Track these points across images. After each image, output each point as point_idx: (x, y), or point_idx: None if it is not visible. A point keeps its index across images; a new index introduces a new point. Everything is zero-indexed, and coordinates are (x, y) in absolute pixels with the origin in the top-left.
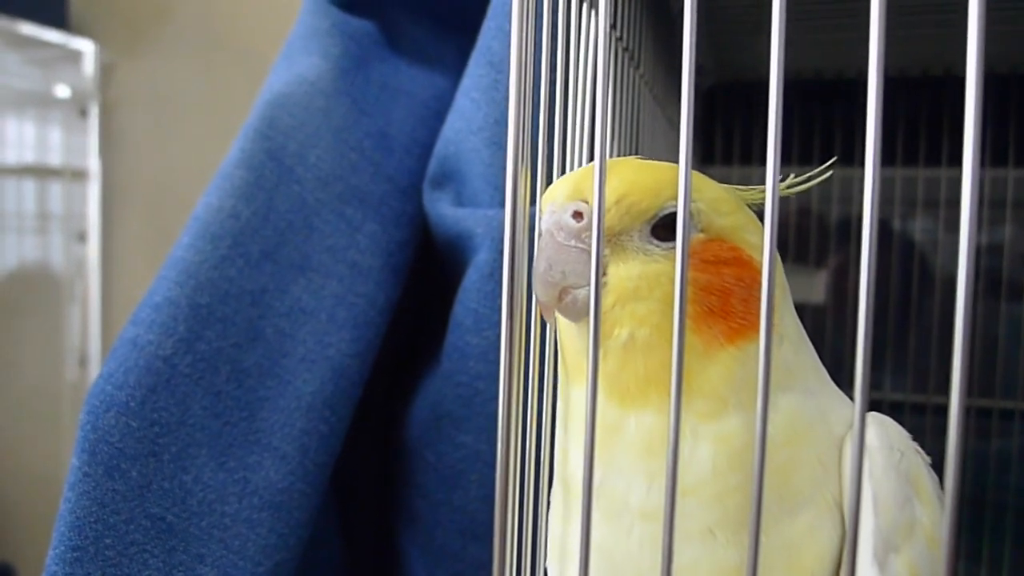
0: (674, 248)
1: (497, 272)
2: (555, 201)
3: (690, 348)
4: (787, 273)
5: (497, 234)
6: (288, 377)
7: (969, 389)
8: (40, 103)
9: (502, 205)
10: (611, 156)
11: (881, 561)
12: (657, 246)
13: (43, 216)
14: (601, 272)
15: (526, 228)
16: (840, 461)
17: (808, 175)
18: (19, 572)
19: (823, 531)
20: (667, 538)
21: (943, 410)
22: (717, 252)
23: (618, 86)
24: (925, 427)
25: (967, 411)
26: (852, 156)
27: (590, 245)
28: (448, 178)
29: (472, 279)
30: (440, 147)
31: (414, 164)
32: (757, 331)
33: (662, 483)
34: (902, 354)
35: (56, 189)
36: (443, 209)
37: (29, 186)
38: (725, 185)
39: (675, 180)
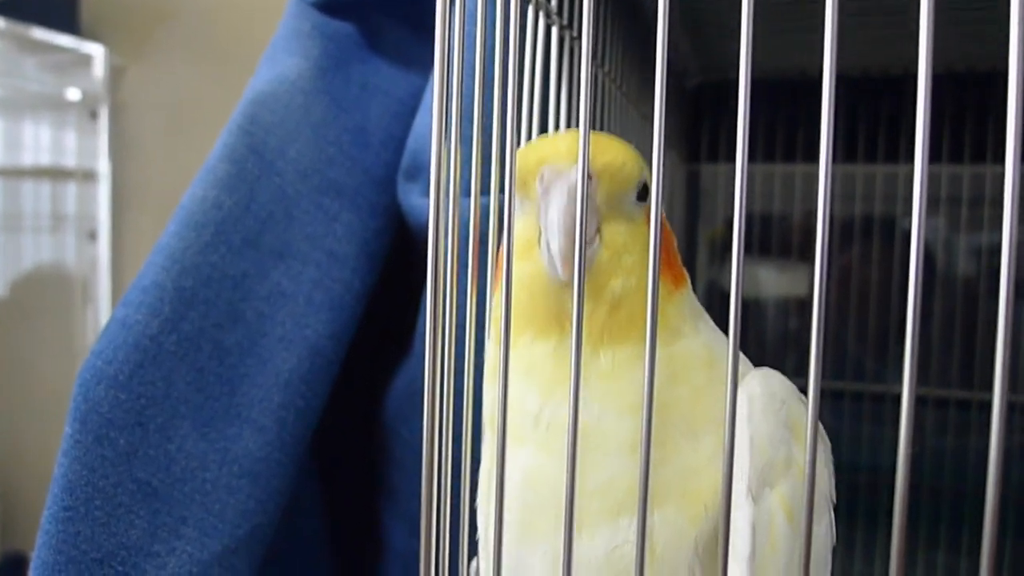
0: (646, 209)
1: (462, 257)
2: (557, 165)
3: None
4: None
5: (461, 221)
6: (267, 355)
7: (1014, 385)
8: (54, 106)
9: (467, 195)
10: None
11: (756, 494)
12: (638, 207)
13: (57, 216)
14: (596, 229)
15: (456, 213)
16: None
17: None
18: None
19: (719, 464)
20: (570, 454)
21: (987, 406)
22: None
23: (570, 80)
24: (970, 422)
25: (1012, 407)
26: (897, 153)
27: (597, 205)
28: (418, 170)
29: None
30: (411, 142)
31: (390, 158)
32: (686, 280)
33: (613, 405)
34: (948, 351)
35: (70, 190)
36: (414, 199)
37: (45, 187)
38: None
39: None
